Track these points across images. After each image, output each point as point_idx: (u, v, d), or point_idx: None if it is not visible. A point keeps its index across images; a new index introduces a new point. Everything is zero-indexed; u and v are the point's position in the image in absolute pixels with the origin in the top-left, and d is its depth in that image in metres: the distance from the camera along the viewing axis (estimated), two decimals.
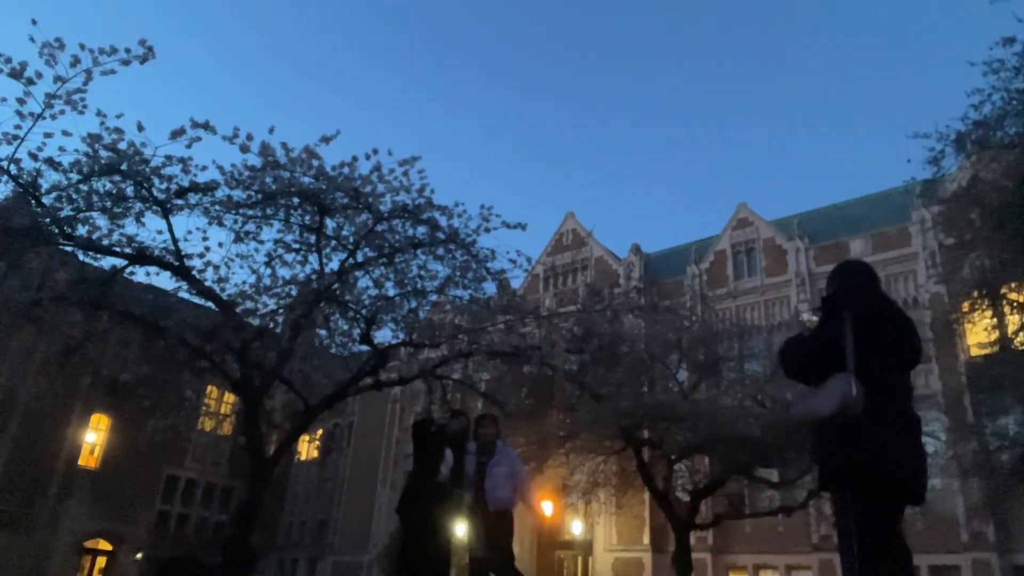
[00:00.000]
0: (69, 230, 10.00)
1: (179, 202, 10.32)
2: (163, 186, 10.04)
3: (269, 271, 11.60)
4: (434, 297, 12.74)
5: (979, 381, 17.88)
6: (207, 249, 11.01)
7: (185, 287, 11.28)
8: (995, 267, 12.98)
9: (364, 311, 12.07)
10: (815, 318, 3.57)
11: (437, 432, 6.14)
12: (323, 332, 13.19)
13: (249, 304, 11.41)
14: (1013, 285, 13.86)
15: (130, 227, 10.45)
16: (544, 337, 13.25)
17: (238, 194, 10.26)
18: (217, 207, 10.46)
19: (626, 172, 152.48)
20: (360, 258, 11.59)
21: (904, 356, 3.37)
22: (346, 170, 10.41)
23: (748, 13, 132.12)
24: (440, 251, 11.54)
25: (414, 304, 12.32)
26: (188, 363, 12.56)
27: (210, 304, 11.61)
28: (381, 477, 37.54)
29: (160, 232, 10.78)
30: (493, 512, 6.13)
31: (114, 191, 10.02)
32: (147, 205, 10.30)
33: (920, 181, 13.25)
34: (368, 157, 10.45)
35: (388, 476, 37.50)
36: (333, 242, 11.49)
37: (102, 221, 10.20)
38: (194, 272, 11.07)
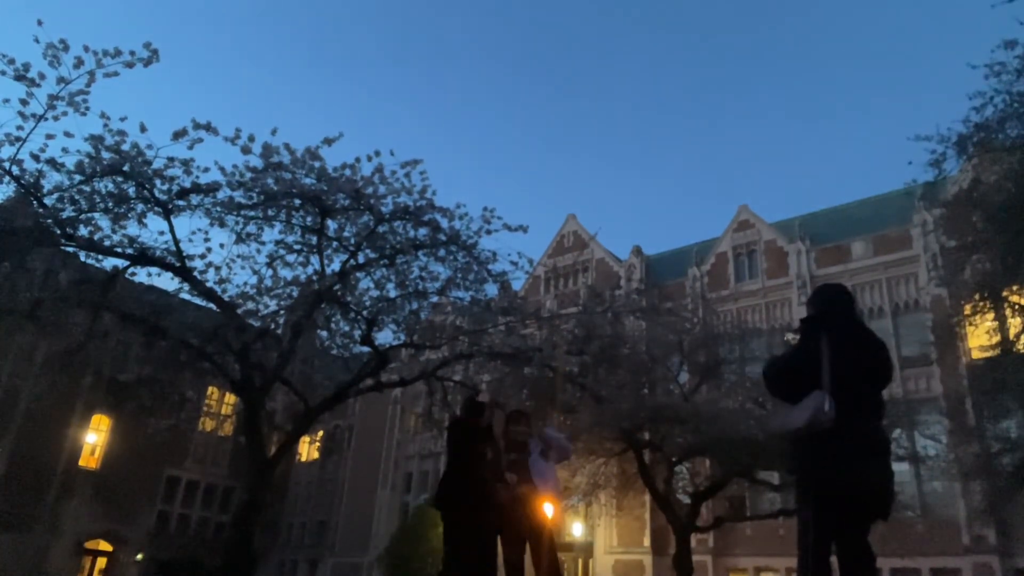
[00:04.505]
0: (71, 231, 10.00)
1: (181, 203, 10.34)
2: (165, 187, 10.06)
3: (270, 272, 11.63)
4: (435, 299, 12.74)
5: (980, 384, 17.83)
6: (208, 250, 11.05)
7: (186, 288, 11.29)
8: (997, 270, 12.96)
9: (365, 312, 12.07)
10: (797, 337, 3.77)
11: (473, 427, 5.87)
12: (324, 333, 13.20)
13: (250, 305, 11.44)
14: (1015, 288, 13.83)
15: (132, 228, 10.47)
16: (545, 339, 13.23)
17: (240, 195, 10.27)
18: (219, 208, 10.48)
19: (627, 174, 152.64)
20: (361, 259, 11.60)
21: (876, 375, 3.58)
22: (348, 171, 10.41)
23: (750, 15, 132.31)
24: (441, 252, 11.53)
25: (415, 305, 12.32)
26: (189, 364, 12.56)
27: (211, 305, 11.62)
28: (381, 479, 37.54)
29: (162, 233, 10.78)
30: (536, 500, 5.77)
31: (116, 192, 10.03)
32: (149, 206, 10.31)
33: (922, 184, 13.23)
34: (370, 159, 10.45)
35: (389, 478, 37.52)
36: (334, 243, 11.50)
37: (104, 222, 10.22)
38: (196, 273, 11.08)
